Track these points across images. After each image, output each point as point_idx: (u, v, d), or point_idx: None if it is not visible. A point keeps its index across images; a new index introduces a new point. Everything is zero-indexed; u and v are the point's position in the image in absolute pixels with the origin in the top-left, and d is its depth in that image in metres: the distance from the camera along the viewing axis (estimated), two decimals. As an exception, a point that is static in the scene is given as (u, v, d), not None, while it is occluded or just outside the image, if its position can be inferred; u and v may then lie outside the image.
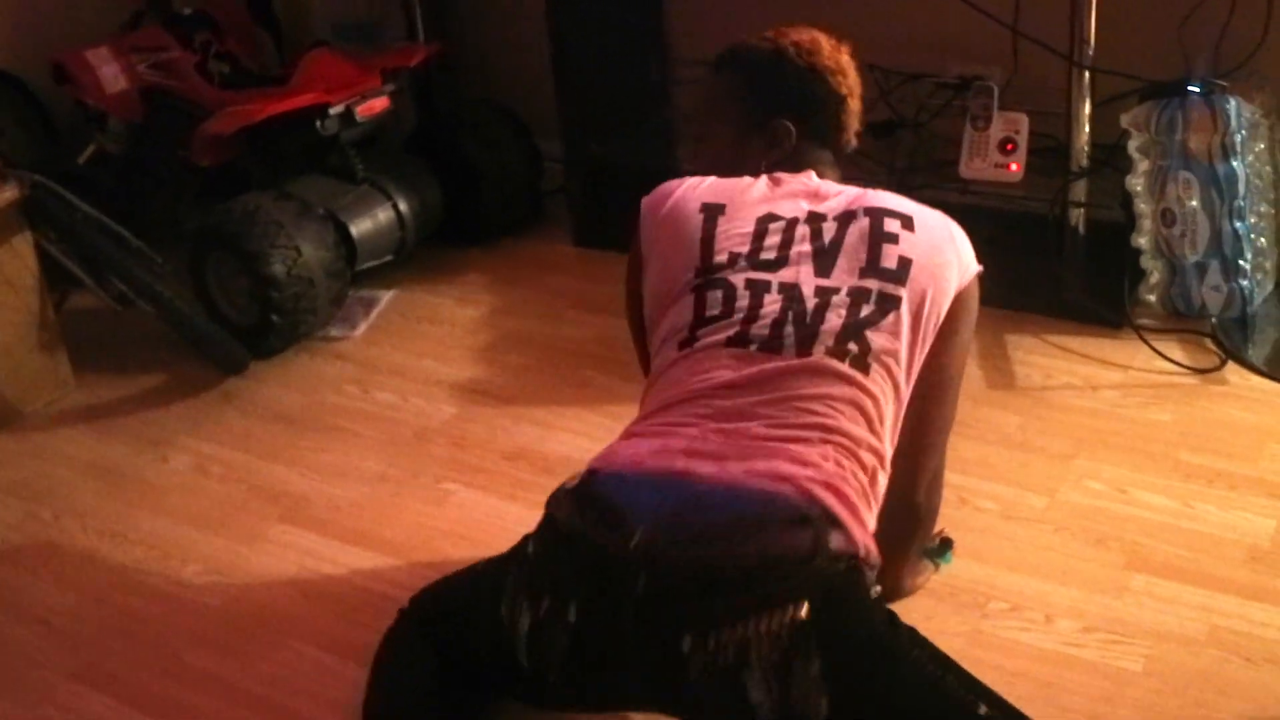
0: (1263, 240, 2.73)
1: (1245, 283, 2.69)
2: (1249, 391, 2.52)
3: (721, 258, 1.73)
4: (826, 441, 1.63)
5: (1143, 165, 2.70)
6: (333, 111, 3.00)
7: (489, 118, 3.44)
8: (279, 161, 3.20)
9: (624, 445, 1.70)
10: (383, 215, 3.17)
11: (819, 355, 1.65)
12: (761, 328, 1.68)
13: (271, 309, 2.84)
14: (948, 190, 2.97)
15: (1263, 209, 2.73)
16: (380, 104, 3.11)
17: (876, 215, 1.74)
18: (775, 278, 1.70)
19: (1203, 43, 2.78)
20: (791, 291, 1.69)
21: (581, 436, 2.52)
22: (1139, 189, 2.72)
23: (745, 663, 1.48)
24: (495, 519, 2.34)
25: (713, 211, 1.77)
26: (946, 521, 2.17)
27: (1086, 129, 2.71)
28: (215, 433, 2.70)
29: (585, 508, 1.63)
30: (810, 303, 1.68)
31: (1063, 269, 2.82)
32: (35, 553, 2.38)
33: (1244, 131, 2.61)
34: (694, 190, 1.82)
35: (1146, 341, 2.66)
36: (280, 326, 2.87)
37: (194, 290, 2.98)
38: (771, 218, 1.76)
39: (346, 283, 3.01)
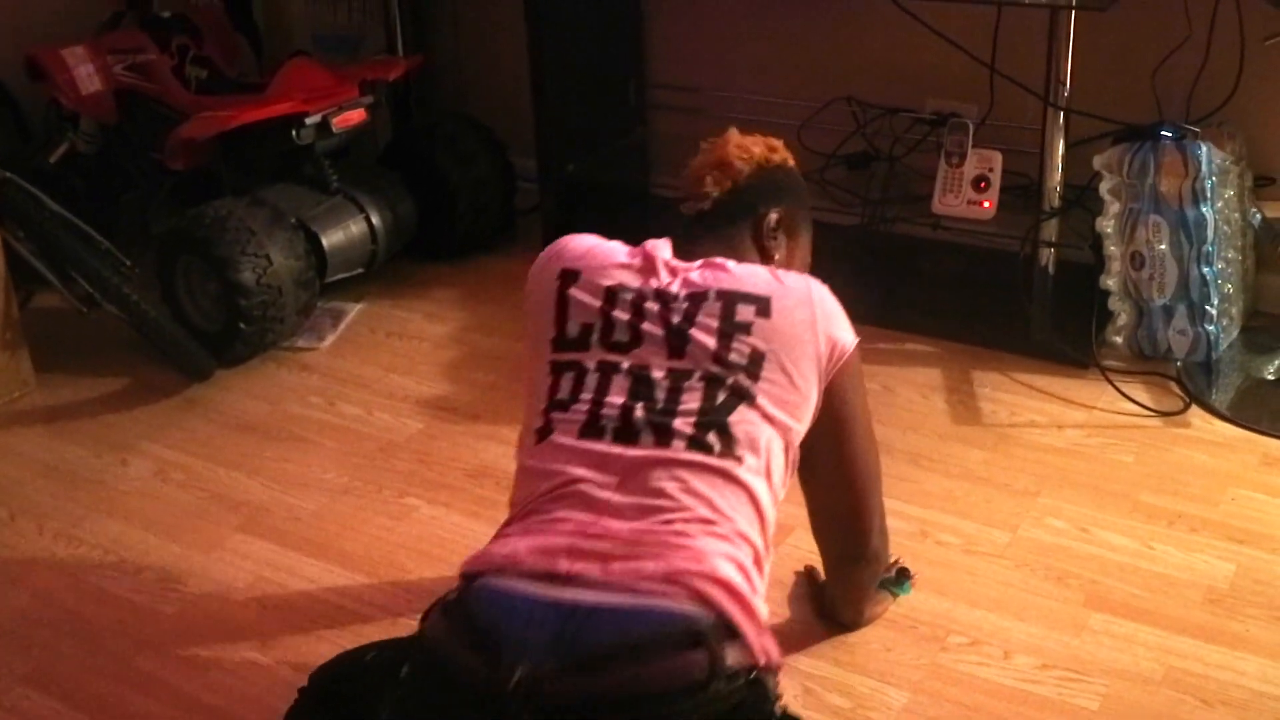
0: (1229, 286, 2.76)
1: (1211, 328, 2.71)
2: (1212, 435, 2.53)
3: (573, 331, 1.68)
4: (709, 533, 1.54)
5: (1113, 207, 2.73)
6: (309, 121, 2.99)
7: (465, 133, 3.43)
8: (252, 169, 3.19)
9: (499, 545, 1.56)
10: (355, 227, 3.16)
11: (679, 448, 1.58)
12: (611, 412, 1.61)
13: (239, 316, 2.82)
14: (920, 225, 2.99)
15: (1230, 255, 2.75)
16: (357, 116, 3.10)
17: (729, 300, 1.66)
18: (626, 359, 1.64)
19: (1176, 89, 2.81)
20: (642, 374, 1.63)
21: (546, 456, 2.52)
22: (1109, 231, 2.74)
23: None
24: (457, 535, 2.33)
25: (568, 279, 1.71)
26: (907, 553, 2.18)
27: (1059, 169, 2.73)
28: (177, 439, 2.68)
29: (460, 630, 1.49)
30: (662, 389, 1.62)
31: (1031, 308, 2.84)
32: (-11, 553, 2.35)
33: (1214, 178, 2.64)
34: (559, 255, 1.76)
35: (1112, 383, 2.68)
36: (247, 334, 2.85)
37: (161, 294, 2.96)
38: (623, 288, 1.69)
39: (315, 293, 3.00)
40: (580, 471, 1.58)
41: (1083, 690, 1.91)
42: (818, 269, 1.88)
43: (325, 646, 2.05)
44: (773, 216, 1.84)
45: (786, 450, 1.67)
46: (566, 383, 1.65)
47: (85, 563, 2.31)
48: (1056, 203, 2.76)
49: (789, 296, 1.68)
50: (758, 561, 1.59)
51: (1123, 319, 2.79)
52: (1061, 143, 2.71)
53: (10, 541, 2.38)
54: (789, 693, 1.91)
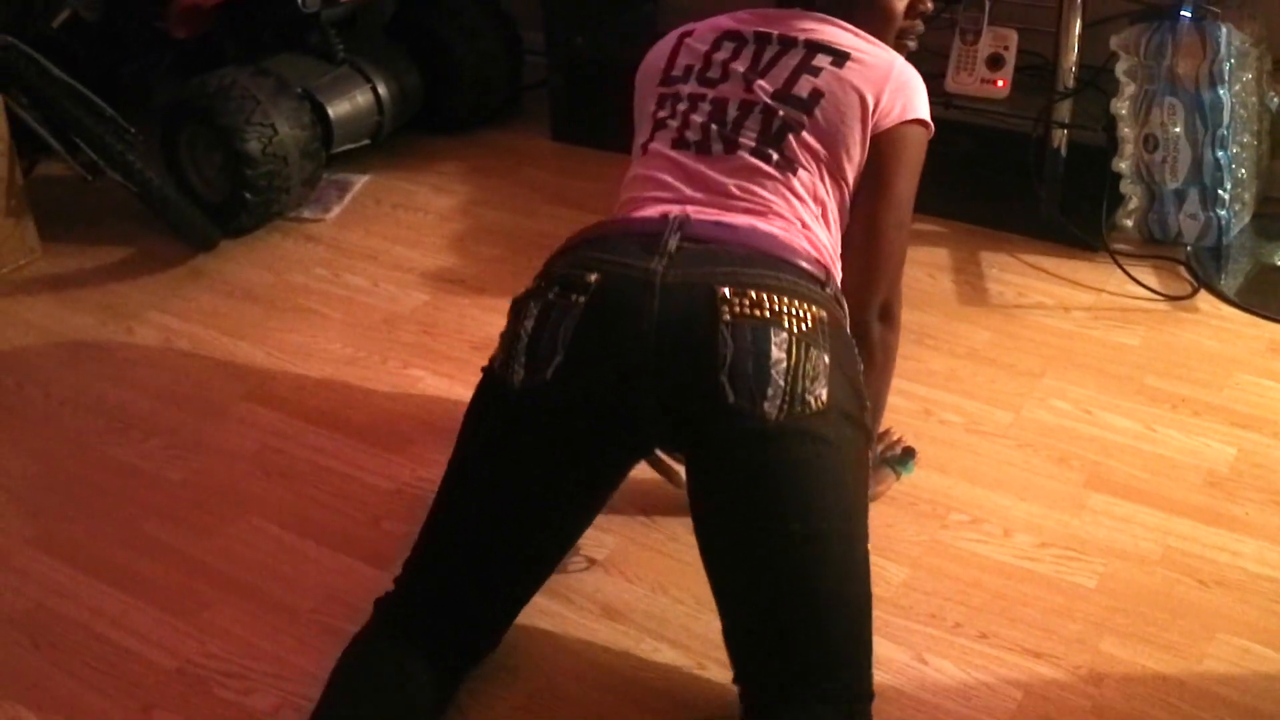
0: (1243, 171, 2.73)
1: (1223, 212, 2.69)
2: (1219, 321, 2.53)
3: (678, 71, 1.88)
4: (785, 229, 1.73)
5: (1129, 89, 2.69)
6: (314, -11, 2.95)
7: (471, 6, 3.38)
8: (257, 38, 3.15)
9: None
10: (361, 98, 3.12)
11: (744, 157, 1.77)
12: (694, 132, 1.81)
13: (244, 186, 2.80)
14: (932, 104, 2.95)
15: (1245, 139, 2.72)
16: (363, -16, 3.05)
17: (813, 49, 1.81)
18: (712, 92, 1.83)
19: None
20: (720, 103, 1.82)
21: (551, 330, 2.51)
22: (1123, 112, 2.71)
23: (777, 321, 1.57)
24: (460, 407, 2.31)
25: (683, 35, 1.92)
26: (911, 431, 2.19)
27: (1075, 49, 2.69)
28: (182, 308, 2.68)
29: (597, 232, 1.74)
30: (732, 114, 1.80)
31: (1042, 189, 2.81)
32: (-4, 418, 2.37)
33: (1233, 60, 2.60)
34: (685, 25, 1.95)
35: (1120, 266, 2.67)
36: (252, 204, 2.84)
37: (166, 164, 2.94)
38: (728, 35, 1.87)
39: (321, 164, 2.98)
40: (668, 178, 1.79)
41: (1081, 569, 1.93)
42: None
43: (330, 515, 2.07)
44: None
45: (841, 192, 1.80)
46: (665, 109, 1.87)
47: (92, 429, 2.32)
48: (1071, 83, 2.72)
49: (872, 58, 1.80)
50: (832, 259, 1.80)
51: (1134, 202, 2.77)
52: (1078, 22, 2.65)
53: (17, 408, 2.39)
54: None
